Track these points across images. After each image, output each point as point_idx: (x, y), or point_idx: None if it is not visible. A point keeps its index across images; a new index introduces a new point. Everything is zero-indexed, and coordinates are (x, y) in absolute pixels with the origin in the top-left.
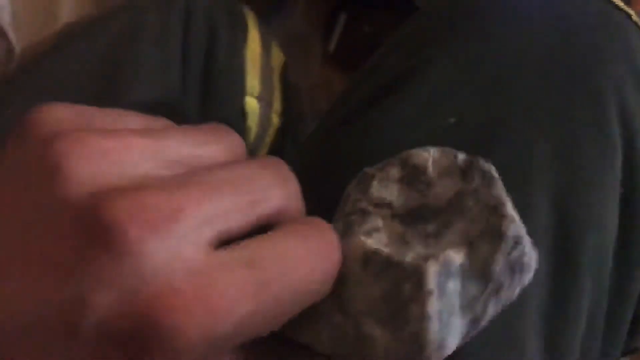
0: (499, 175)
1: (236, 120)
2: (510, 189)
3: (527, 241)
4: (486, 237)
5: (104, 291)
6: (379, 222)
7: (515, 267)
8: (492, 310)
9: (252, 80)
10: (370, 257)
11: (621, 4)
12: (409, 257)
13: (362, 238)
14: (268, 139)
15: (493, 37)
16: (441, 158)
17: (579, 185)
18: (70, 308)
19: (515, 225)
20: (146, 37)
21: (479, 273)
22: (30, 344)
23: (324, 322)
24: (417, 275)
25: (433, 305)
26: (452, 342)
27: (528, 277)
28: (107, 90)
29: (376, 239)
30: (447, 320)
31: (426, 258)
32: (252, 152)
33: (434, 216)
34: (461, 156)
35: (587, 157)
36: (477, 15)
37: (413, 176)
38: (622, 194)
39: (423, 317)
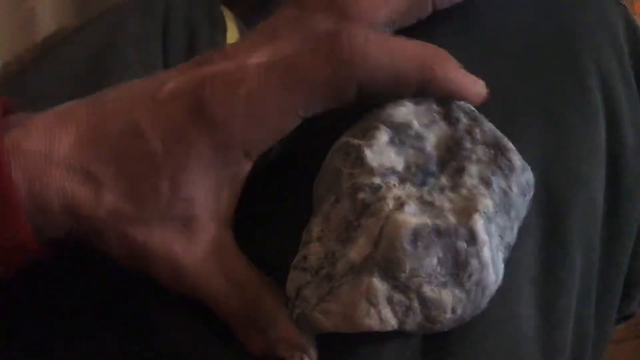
0: None
1: None
2: None
3: (527, 166)
4: (499, 173)
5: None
6: (396, 192)
7: (525, 190)
8: (516, 232)
9: None
10: (418, 233)
11: None
12: (451, 218)
13: (400, 216)
14: None
15: (476, 18)
16: (418, 109)
17: (566, 157)
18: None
19: (518, 154)
20: (127, 42)
21: (503, 206)
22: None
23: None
24: (469, 233)
25: (488, 252)
26: (502, 273)
27: (530, 195)
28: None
29: (409, 212)
30: (497, 258)
31: (467, 213)
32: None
33: (440, 168)
34: (435, 102)
35: (571, 128)
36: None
37: (402, 134)
38: (606, 164)
39: (483, 266)
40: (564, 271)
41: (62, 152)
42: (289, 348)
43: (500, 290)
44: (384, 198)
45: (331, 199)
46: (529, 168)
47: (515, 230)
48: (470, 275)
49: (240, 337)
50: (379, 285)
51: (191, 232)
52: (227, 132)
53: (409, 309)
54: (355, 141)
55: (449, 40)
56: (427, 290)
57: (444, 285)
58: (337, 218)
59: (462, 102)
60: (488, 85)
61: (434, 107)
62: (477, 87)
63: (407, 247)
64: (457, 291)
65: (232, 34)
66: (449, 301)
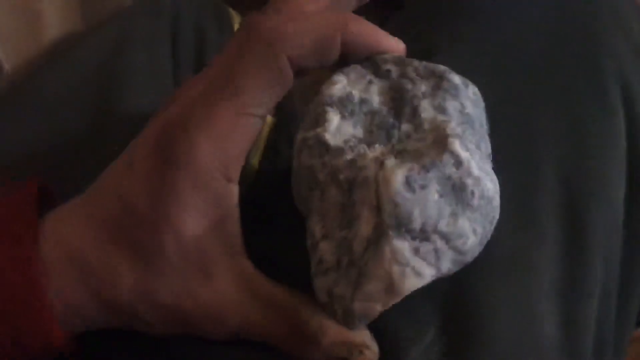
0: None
1: None
2: (517, 167)
3: (467, 80)
4: (447, 97)
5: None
6: (371, 156)
7: (476, 103)
8: (488, 141)
9: None
10: (410, 177)
11: None
12: (430, 153)
13: (387, 172)
14: (262, 139)
15: (493, 20)
16: (350, 78)
17: (586, 159)
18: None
19: (455, 73)
20: (136, 46)
21: (465, 122)
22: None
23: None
24: (452, 157)
25: (476, 166)
26: (496, 180)
27: (482, 105)
28: (104, 100)
29: (392, 165)
30: (487, 168)
31: (441, 142)
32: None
33: (397, 118)
34: (361, 65)
35: (591, 131)
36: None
37: (348, 107)
38: (626, 164)
39: (478, 179)
40: (585, 276)
41: (78, 253)
42: (346, 349)
43: (522, 295)
44: (364, 167)
45: (316, 195)
46: (469, 81)
47: (487, 139)
48: (472, 193)
49: (298, 356)
50: (401, 244)
51: (213, 275)
52: (197, 167)
53: (437, 251)
54: (311, 133)
55: (466, 41)
56: (443, 226)
57: (454, 214)
58: (331, 208)
59: (383, 55)
60: (506, 85)
61: (362, 70)
62: (391, 40)
63: (407, 194)
64: (468, 213)
65: None
66: (467, 226)
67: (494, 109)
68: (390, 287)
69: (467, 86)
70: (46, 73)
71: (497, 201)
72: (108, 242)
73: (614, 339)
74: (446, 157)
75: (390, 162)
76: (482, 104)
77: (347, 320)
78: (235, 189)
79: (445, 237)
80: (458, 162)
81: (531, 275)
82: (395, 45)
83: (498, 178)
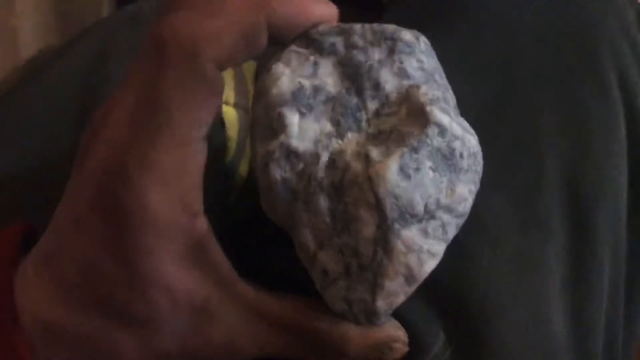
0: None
1: (216, 131)
2: (520, 163)
3: (415, 31)
4: (404, 57)
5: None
6: (349, 150)
7: (429, 53)
8: (450, 89)
9: (226, 90)
10: (403, 164)
11: None
12: (409, 128)
13: (376, 166)
14: (247, 146)
15: (491, 15)
16: (292, 67)
17: (589, 154)
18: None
19: (400, 28)
20: (116, 56)
21: (428, 78)
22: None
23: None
24: (434, 126)
25: (456, 126)
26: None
27: (434, 53)
28: (88, 112)
29: (377, 155)
30: (463, 123)
31: (416, 112)
32: (234, 161)
33: (359, 97)
34: (298, 46)
35: (594, 126)
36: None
37: (303, 101)
38: (628, 160)
39: (462, 138)
40: (593, 273)
41: (62, 330)
42: (376, 349)
43: (529, 293)
44: (347, 166)
45: (299, 207)
46: (417, 32)
47: (449, 88)
48: (461, 155)
49: None
50: (410, 233)
51: (214, 311)
52: (154, 214)
53: (444, 225)
54: (274, 143)
55: (464, 41)
56: (443, 198)
57: (451, 183)
58: (319, 216)
59: (319, 28)
60: (508, 83)
61: (302, 51)
62: (321, 5)
63: (404, 183)
64: (462, 176)
65: None
66: (464, 189)
67: (493, 105)
68: (411, 277)
69: (418, 39)
70: (29, 87)
71: (480, 153)
72: (90, 311)
73: (623, 335)
74: (431, 130)
75: (374, 153)
76: (434, 52)
77: (372, 319)
78: (203, 220)
79: (449, 209)
80: (442, 130)
81: (538, 273)
82: (328, 11)
83: (501, 176)
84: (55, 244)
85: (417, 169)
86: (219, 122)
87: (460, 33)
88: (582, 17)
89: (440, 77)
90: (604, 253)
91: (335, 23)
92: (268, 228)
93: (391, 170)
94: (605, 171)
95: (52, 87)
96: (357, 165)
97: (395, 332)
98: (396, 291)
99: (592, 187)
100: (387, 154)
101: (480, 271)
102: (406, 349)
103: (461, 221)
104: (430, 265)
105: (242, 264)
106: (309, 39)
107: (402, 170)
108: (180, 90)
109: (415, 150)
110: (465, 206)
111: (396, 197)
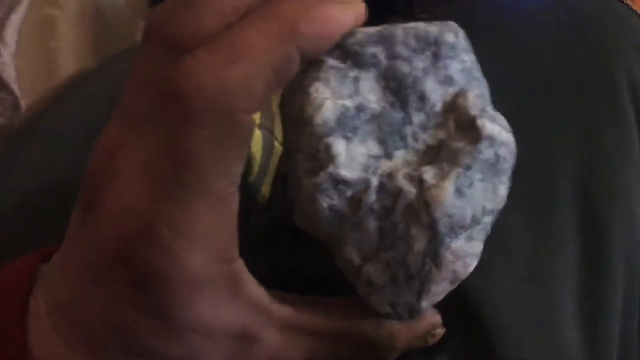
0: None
1: None
2: (533, 178)
3: (454, 26)
4: (449, 62)
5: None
6: (401, 174)
7: (467, 48)
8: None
9: None
10: (459, 185)
11: None
12: (459, 144)
13: (433, 191)
14: (272, 166)
15: (504, 31)
16: (333, 87)
17: (603, 169)
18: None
19: (440, 27)
20: None
21: (472, 80)
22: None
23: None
24: (487, 138)
25: (505, 133)
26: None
27: (469, 41)
28: None
29: (431, 178)
30: (502, 121)
31: (466, 125)
32: (257, 180)
33: (404, 110)
34: (333, 61)
35: (607, 140)
36: (485, 12)
37: (348, 125)
38: None
39: (508, 144)
40: (607, 289)
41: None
42: (421, 337)
43: (541, 302)
44: (399, 190)
45: (347, 229)
46: (455, 25)
47: (485, 80)
48: (504, 159)
49: None
50: (458, 243)
51: (254, 337)
52: (191, 275)
53: (485, 227)
54: (322, 176)
55: (479, 59)
56: (488, 204)
57: (495, 188)
58: (367, 235)
59: (355, 36)
60: (523, 100)
61: (340, 66)
62: (348, 9)
63: (458, 202)
64: (504, 179)
65: None
66: (505, 190)
67: (508, 119)
68: (456, 279)
69: (457, 35)
70: (60, 109)
71: (515, 149)
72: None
73: (639, 353)
74: (482, 145)
75: (428, 175)
76: (469, 43)
77: (415, 316)
78: (239, 263)
79: (492, 213)
80: (491, 141)
81: (550, 282)
82: (358, 12)
83: (515, 188)
84: (71, 296)
85: (470, 185)
86: None
87: (476, 51)
88: (597, 35)
89: (478, 71)
90: (618, 268)
91: (363, 21)
92: (288, 233)
93: (449, 193)
94: (618, 187)
95: (85, 107)
96: (410, 189)
97: (435, 319)
98: (441, 292)
99: (605, 202)
100: (442, 176)
101: (491, 278)
102: (444, 330)
103: (496, 216)
104: (473, 264)
105: (262, 268)
106: (346, 51)
107: (458, 190)
108: (213, 149)
109: (468, 168)
110: (502, 204)
111: (450, 216)
